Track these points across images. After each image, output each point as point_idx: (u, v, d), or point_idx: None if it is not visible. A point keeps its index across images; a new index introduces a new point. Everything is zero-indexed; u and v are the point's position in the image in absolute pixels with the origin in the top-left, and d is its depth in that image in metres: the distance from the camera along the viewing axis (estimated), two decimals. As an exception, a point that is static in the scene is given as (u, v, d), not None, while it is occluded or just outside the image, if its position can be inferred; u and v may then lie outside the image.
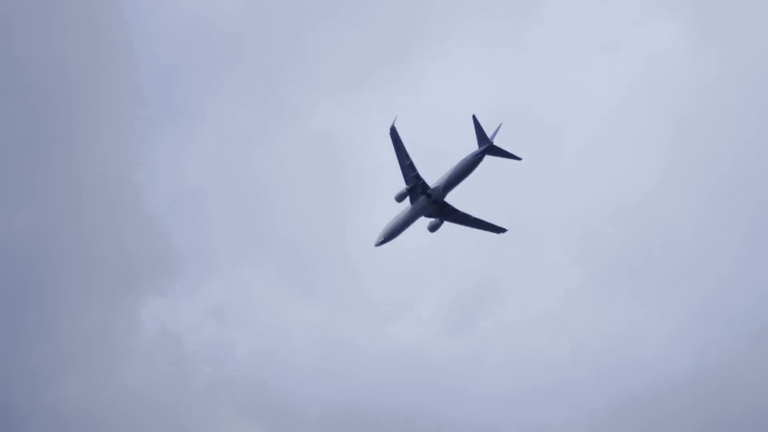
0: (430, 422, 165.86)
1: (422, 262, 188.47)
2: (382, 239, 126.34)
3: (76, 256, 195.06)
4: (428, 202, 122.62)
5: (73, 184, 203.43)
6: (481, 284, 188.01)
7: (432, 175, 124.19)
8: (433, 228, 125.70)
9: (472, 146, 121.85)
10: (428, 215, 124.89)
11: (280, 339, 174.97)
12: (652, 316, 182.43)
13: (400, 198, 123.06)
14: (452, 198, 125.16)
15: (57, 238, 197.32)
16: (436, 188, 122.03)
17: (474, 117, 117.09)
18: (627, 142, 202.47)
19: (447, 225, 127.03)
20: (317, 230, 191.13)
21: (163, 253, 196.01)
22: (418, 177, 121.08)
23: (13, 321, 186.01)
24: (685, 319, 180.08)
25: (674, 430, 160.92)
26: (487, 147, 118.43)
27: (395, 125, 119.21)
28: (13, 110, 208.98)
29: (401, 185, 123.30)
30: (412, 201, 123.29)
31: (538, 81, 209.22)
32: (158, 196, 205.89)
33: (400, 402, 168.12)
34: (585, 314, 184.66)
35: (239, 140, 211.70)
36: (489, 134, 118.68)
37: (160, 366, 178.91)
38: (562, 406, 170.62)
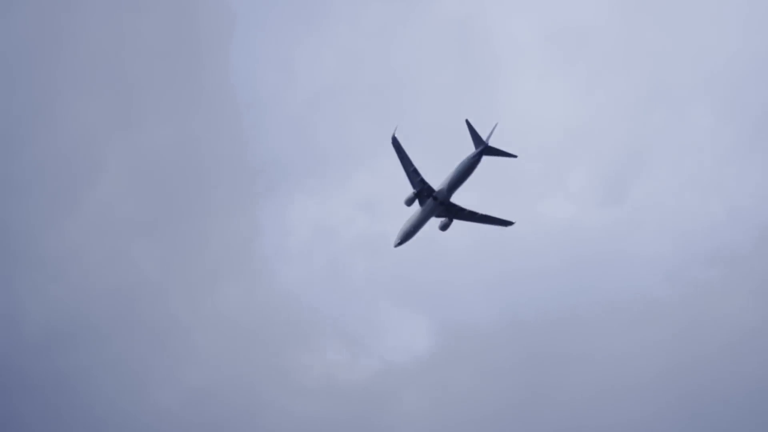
0: (590, 292, 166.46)
1: (568, 137, 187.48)
2: (399, 241, 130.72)
3: (224, 163, 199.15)
4: (435, 204, 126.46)
5: (215, 92, 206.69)
6: (629, 153, 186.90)
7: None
8: (443, 227, 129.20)
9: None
10: (438, 215, 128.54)
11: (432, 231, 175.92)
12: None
13: (409, 202, 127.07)
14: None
15: (203, 147, 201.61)
16: (440, 191, 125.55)
17: (467, 121, 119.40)
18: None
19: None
20: (458, 115, 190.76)
21: (307, 151, 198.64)
22: (423, 181, 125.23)
23: (169, 233, 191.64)
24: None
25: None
26: (484, 148, 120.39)
27: (396, 135, 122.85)
28: (153, 26, 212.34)
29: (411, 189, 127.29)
30: (420, 204, 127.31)
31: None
32: (298, 95, 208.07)
33: (557, 280, 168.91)
34: (736, 174, 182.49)
35: (372, 32, 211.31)
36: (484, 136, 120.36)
37: (317, 263, 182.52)
38: (720, 268, 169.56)
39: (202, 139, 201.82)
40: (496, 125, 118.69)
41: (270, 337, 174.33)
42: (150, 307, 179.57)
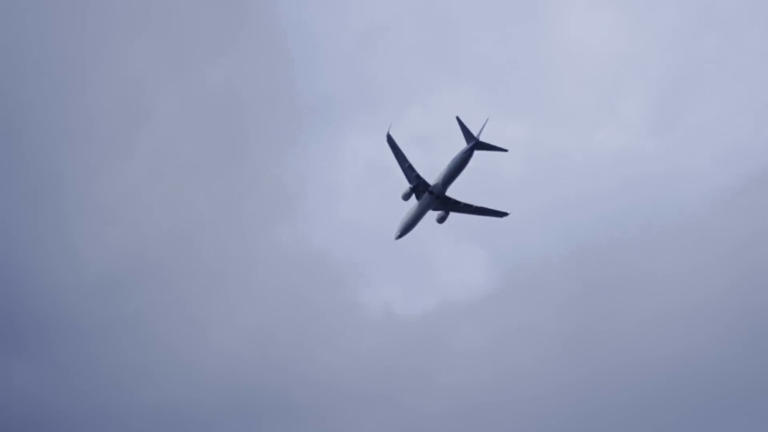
0: (643, 220, 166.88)
1: (620, 66, 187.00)
2: (400, 233, 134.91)
3: (276, 103, 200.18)
4: (432, 198, 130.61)
5: (265, 31, 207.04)
6: (681, 80, 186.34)
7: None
8: (440, 220, 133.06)
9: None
10: (435, 209, 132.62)
11: (487, 159, 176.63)
12: None
13: (406, 197, 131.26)
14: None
15: (254, 87, 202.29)
16: (436, 185, 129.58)
17: (457, 117, 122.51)
18: None
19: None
20: (511, 46, 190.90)
21: (359, 89, 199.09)
22: (418, 177, 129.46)
23: (223, 174, 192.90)
24: None
25: None
26: (475, 143, 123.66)
27: (390, 133, 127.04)
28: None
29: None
30: (417, 198, 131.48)
31: None
32: (350, 32, 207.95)
33: (611, 204, 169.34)
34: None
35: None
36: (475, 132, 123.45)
37: (372, 200, 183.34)
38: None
39: (253, 79, 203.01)
40: (487, 120, 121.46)
41: (326, 274, 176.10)
42: (206, 249, 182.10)
